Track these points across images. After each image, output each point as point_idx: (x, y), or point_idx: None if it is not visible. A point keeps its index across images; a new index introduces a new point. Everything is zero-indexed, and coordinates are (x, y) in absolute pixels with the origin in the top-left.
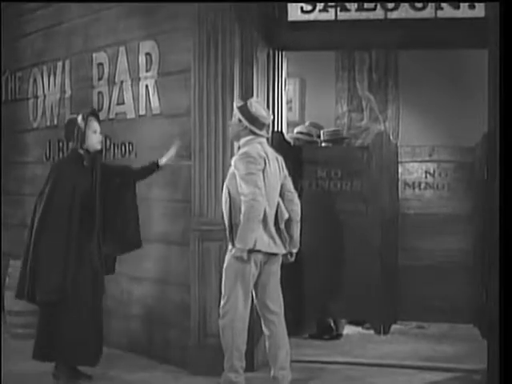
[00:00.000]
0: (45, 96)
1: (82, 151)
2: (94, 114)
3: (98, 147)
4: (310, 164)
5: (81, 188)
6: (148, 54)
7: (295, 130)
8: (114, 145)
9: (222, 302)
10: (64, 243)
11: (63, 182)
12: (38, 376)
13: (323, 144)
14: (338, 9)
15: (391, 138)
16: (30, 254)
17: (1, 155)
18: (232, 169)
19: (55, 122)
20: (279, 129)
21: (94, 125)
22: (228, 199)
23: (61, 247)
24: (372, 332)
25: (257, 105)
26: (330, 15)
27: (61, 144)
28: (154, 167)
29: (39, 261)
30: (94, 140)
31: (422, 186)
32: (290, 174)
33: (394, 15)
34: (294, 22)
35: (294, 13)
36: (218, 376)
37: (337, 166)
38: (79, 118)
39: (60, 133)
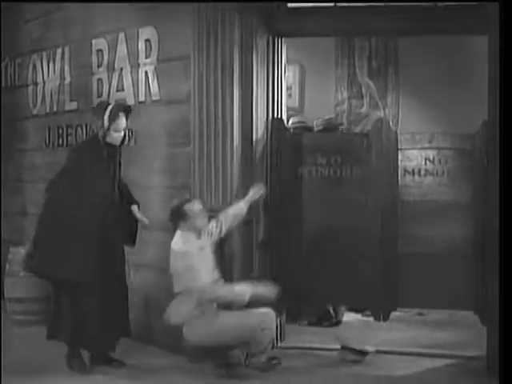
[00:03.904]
0: (44, 83)
1: (101, 141)
2: (127, 110)
3: (117, 143)
4: (309, 151)
5: (97, 175)
6: (147, 41)
7: (289, 122)
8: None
9: None
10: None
11: (81, 164)
12: (40, 361)
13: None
14: None
15: (391, 124)
16: (47, 232)
17: (0, 144)
18: None
19: (55, 108)
20: (279, 115)
21: (121, 123)
22: None
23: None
24: (371, 319)
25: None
26: (329, 1)
27: (60, 131)
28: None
29: (55, 239)
30: (115, 136)
31: (422, 172)
32: (289, 160)
33: (393, 1)
34: (293, 9)
35: None
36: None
37: (336, 153)
38: (108, 111)
39: (60, 119)
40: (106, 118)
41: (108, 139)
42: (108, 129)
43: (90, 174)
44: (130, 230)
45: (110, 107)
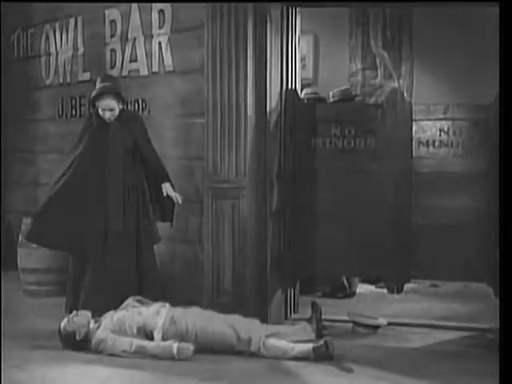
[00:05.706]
0: (57, 53)
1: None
2: (116, 95)
3: (108, 121)
4: (323, 122)
5: (91, 148)
6: (161, 11)
7: (302, 93)
8: (127, 102)
9: None
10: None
11: (81, 136)
12: (52, 333)
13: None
14: None
15: (405, 95)
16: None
17: (0, 119)
18: None
19: (68, 79)
20: (293, 86)
21: (106, 103)
22: None
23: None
24: (385, 291)
25: None
26: None
27: (73, 101)
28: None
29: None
30: (102, 114)
31: (436, 144)
32: (303, 131)
33: None
34: None
35: None
36: None
37: (351, 124)
38: (96, 87)
39: (73, 90)
40: (92, 93)
41: (100, 114)
42: (93, 104)
43: (85, 146)
44: (163, 208)
45: (99, 85)
